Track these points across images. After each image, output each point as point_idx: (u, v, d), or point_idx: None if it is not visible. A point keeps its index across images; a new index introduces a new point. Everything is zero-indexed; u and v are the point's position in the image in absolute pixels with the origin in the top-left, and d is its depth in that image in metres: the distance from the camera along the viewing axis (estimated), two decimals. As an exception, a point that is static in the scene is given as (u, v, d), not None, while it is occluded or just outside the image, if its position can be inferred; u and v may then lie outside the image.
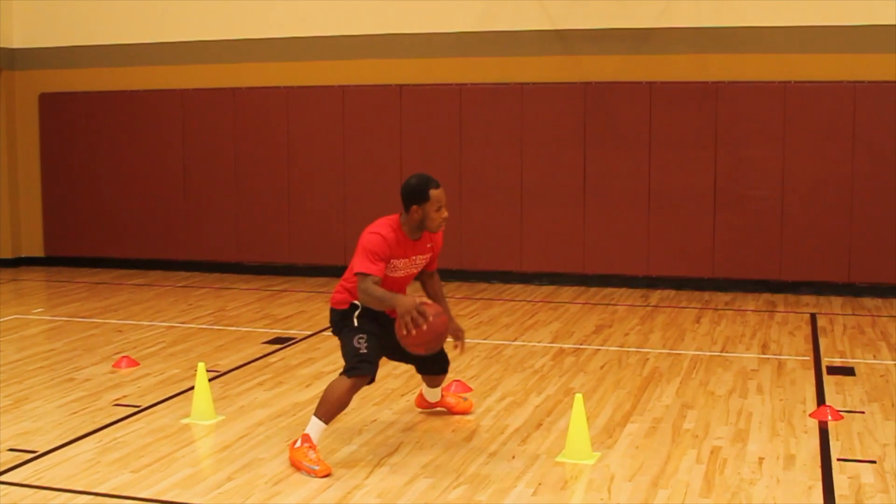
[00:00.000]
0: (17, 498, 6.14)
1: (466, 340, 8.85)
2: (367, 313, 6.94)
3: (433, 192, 6.90)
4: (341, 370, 6.85)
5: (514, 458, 6.82)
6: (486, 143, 14.09)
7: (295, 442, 6.77)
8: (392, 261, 6.84)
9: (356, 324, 6.92)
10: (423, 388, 7.80)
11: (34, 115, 16.01)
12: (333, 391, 6.72)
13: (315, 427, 6.70)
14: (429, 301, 6.67)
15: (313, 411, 6.76)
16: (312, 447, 6.64)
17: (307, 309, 12.17)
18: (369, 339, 6.85)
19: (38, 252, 16.24)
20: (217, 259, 15.31)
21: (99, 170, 15.74)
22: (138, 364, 9.50)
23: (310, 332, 10.85)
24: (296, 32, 14.80)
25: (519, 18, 13.91)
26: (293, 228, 14.95)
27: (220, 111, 15.11)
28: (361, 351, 6.80)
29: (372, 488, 6.26)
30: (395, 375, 9.01)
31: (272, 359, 9.73)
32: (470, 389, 8.48)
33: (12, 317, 12.04)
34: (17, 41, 15.98)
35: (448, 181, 14.13)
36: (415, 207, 6.86)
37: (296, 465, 6.66)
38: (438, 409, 7.95)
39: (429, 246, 7.14)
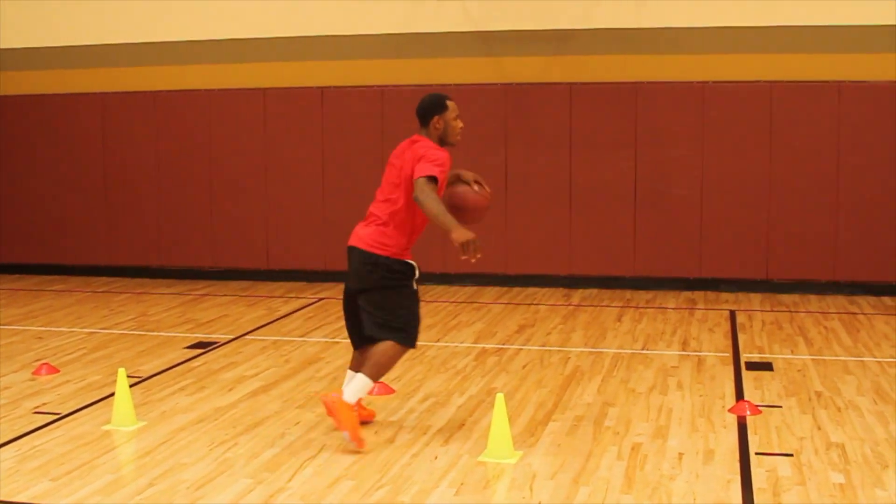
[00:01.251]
0: (-66, 508, 6.08)
1: None
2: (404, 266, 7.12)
3: (450, 103, 7.22)
4: (397, 338, 7.02)
5: (436, 458, 6.84)
6: (409, 145, 14.08)
7: (342, 394, 6.95)
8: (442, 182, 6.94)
9: (415, 286, 7.15)
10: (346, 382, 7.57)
11: (-50, 119, 15.80)
12: (389, 357, 6.97)
13: (366, 386, 6.95)
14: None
15: (363, 370, 6.96)
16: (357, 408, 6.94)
17: (230, 313, 12.12)
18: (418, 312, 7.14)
19: (-44, 259, 16.04)
20: (138, 264, 15.18)
21: (17, 175, 15.54)
22: (58, 371, 9.40)
23: (232, 336, 10.80)
24: (217, 35, 14.70)
25: (441, 20, 13.94)
26: (215, 232, 14.87)
27: (141, 114, 14.99)
28: (415, 329, 7.10)
29: (295, 490, 6.26)
30: (317, 378, 9.01)
31: (194, 363, 9.67)
32: (392, 391, 8.50)
33: (-71, 325, 11.88)
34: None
35: (369, 183, 14.11)
36: (436, 118, 7.14)
37: (343, 426, 6.85)
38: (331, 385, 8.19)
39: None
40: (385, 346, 6.99)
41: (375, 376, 6.96)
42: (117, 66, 15.09)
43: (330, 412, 6.92)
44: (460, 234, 6.65)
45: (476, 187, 7.19)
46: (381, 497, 6.14)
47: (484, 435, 7.21)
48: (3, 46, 15.51)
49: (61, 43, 15.26)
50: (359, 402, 7.19)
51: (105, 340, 10.84)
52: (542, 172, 13.75)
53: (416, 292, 7.18)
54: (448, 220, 6.72)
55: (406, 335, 7.06)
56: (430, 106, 7.18)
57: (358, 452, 6.91)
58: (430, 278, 14.17)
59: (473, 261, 6.80)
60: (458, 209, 7.06)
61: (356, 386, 6.96)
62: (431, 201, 6.74)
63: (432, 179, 6.80)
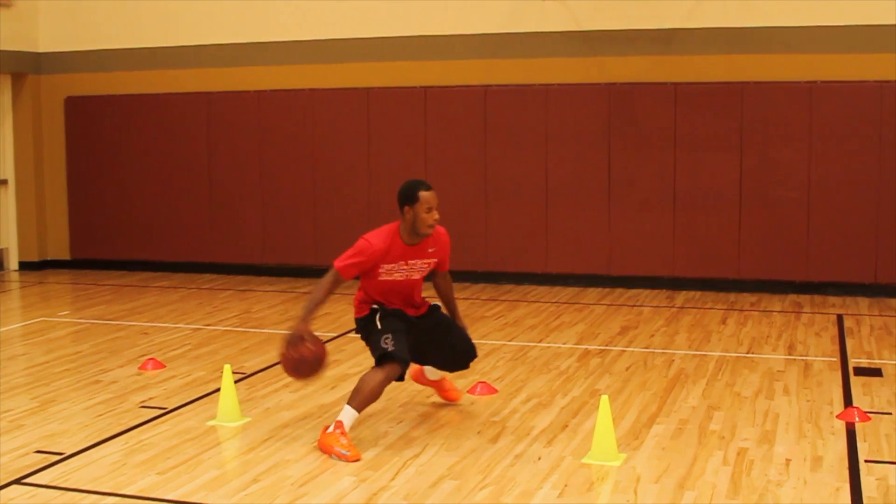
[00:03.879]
0: (44, 499, 6.17)
1: (491, 342, 9.72)
2: (388, 314, 7.27)
3: (422, 194, 7.26)
4: (374, 367, 7.16)
5: (539, 459, 6.80)
6: (511, 145, 14.07)
7: (327, 427, 7.03)
8: (382, 265, 7.17)
9: (380, 326, 7.22)
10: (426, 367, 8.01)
11: (60, 118, 16.07)
12: (367, 383, 7.04)
13: (348, 415, 6.98)
14: (306, 338, 7.04)
15: (346, 400, 7.08)
16: (344, 433, 6.90)
17: (332, 310, 12.17)
18: (395, 336, 7.14)
19: (65, 255, 16.30)
20: (242, 261, 15.33)
21: (124, 173, 15.79)
22: (164, 366, 9.53)
23: (335, 334, 10.86)
24: (320, 35, 14.82)
25: (544, 20, 13.89)
26: (318, 230, 14.96)
27: (246, 114, 15.14)
28: (389, 350, 7.07)
29: (398, 490, 6.26)
30: (420, 377, 9.02)
31: (297, 361, 9.73)
32: (495, 391, 8.48)
33: (39, 319, 12.09)
34: (44, 45, 16.05)
35: (473, 183, 14.18)
36: (406, 208, 7.24)
37: (326, 450, 6.93)
38: (431, 389, 8.28)
39: (430, 251, 7.39)
40: None
41: (356, 404, 7.11)
42: (223, 65, 15.27)
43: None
44: (294, 327, 7.08)
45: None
46: (484, 497, 6.12)
47: (587, 437, 7.16)
48: (111, 47, 15.77)
49: (169, 43, 15.48)
50: (442, 379, 8.06)
51: (209, 337, 10.97)
52: (646, 173, 13.63)
53: (381, 329, 7.28)
54: (304, 313, 7.10)
55: (377, 361, 7.23)
56: (402, 195, 7.32)
57: (460, 452, 6.91)
58: (533, 279, 14.14)
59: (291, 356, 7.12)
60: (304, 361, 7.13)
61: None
62: (314, 291, 7.17)
63: (337, 268, 7.14)
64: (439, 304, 7.71)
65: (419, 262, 7.33)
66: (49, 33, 16.07)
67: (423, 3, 14.37)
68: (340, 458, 6.79)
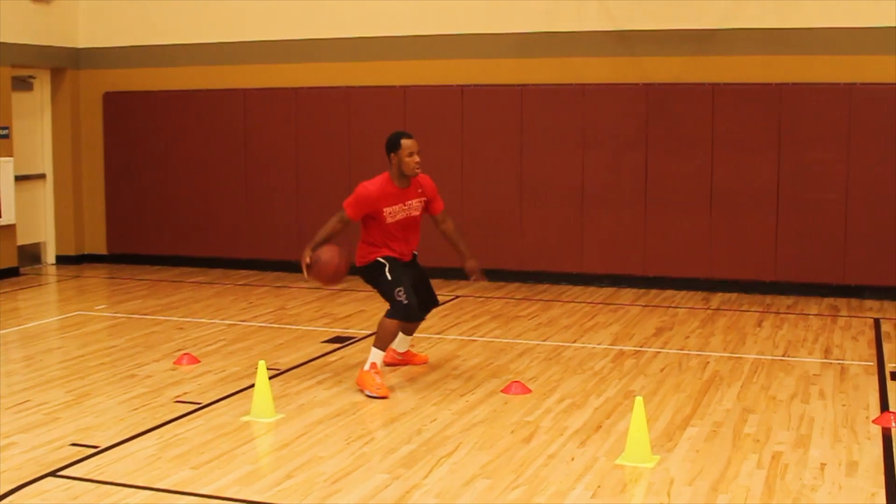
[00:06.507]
0: (79, 492, 6.21)
1: (525, 341, 10.29)
2: (395, 266, 8.60)
3: (404, 141, 8.55)
4: (390, 311, 8.50)
5: (573, 459, 6.79)
6: (547, 145, 14.05)
7: (364, 364, 8.50)
8: (385, 209, 8.53)
9: (390, 277, 8.55)
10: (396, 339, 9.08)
11: (98, 113, 16.16)
12: (386, 329, 8.47)
13: (377, 356, 8.45)
14: (323, 250, 8.55)
15: (372, 344, 8.53)
16: (378, 372, 8.39)
17: (367, 308, 12.19)
18: (406, 288, 8.50)
19: (101, 249, 16.39)
20: (277, 258, 15.36)
21: (161, 168, 15.87)
22: (199, 361, 9.56)
23: (369, 332, 10.85)
24: (357, 32, 14.84)
25: (581, 19, 13.86)
26: (353, 227, 14.92)
27: (282, 111, 15.18)
28: (404, 302, 8.46)
29: (431, 488, 6.26)
30: (454, 376, 9.02)
31: (331, 357, 9.76)
32: (529, 391, 8.47)
33: (75, 313, 12.17)
34: (83, 41, 16.15)
35: (508, 182, 14.18)
36: (392, 155, 8.57)
37: (361, 386, 8.39)
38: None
39: (419, 191, 8.71)
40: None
41: (381, 346, 8.53)
42: (260, 62, 15.31)
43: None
44: (305, 252, 8.55)
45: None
46: (517, 497, 6.12)
47: (621, 438, 7.14)
48: (149, 43, 15.85)
49: (207, 40, 15.54)
50: (409, 349, 9.46)
51: (244, 333, 11.00)
52: (683, 173, 13.57)
53: (393, 280, 8.61)
54: (313, 243, 8.59)
55: (394, 312, 8.54)
56: (387, 144, 8.60)
57: (493, 451, 6.91)
58: (568, 278, 14.11)
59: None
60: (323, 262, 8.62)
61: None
62: (323, 226, 8.66)
63: (344, 209, 8.59)
64: (417, 253, 8.98)
65: (413, 201, 8.67)
66: (88, 29, 16.16)
67: (461, 2, 14.36)
68: (374, 393, 8.24)
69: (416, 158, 8.53)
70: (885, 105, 12.85)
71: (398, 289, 8.47)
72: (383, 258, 8.61)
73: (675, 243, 13.69)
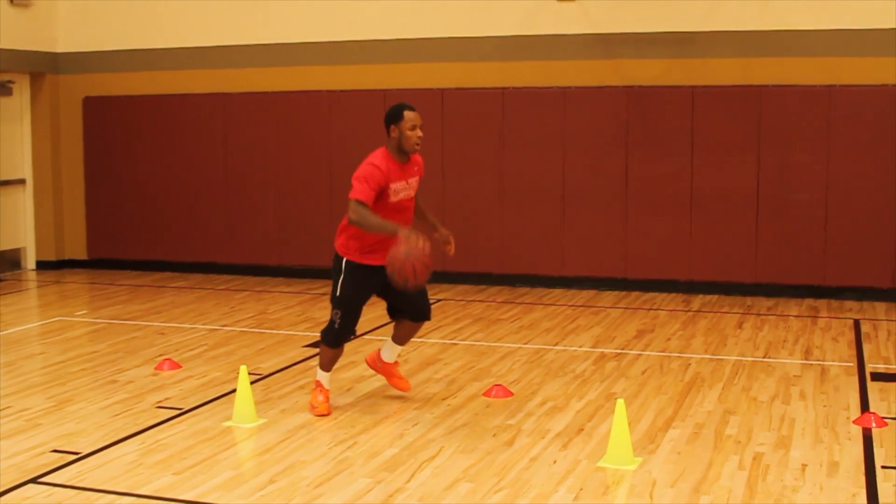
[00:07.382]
0: (60, 499, 6.19)
1: (507, 344, 10.03)
2: (355, 269, 7.80)
3: (406, 113, 7.75)
4: (323, 331, 8.01)
5: (555, 462, 6.80)
6: (528, 147, 14.05)
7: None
8: (391, 185, 7.61)
9: (339, 292, 7.87)
10: (385, 345, 8.38)
11: (78, 118, 16.12)
12: (322, 350, 8.04)
13: (320, 375, 8.09)
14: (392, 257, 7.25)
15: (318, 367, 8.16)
16: (323, 391, 8.04)
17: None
18: (348, 313, 7.90)
19: (82, 254, 16.35)
20: (258, 262, 15.35)
21: (142, 173, 15.82)
22: (180, 366, 9.55)
23: (351, 336, 10.85)
24: (338, 36, 14.83)
25: (561, 22, 13.88)
26: (334, 232, 14.87)
27: (262, 115, 15.15)
28: (335, 326, 7.90)
29: (413, 492, 6.27)
30: (435, 380, 9.02)
31: (313, 362, 9.72)
32: (511, 394, 8.47)
33: (56, 319, 12.13)
34: (62, 45, 16.10)
35: (489, 185, 14.19)
36: (392, 127, 7.72)
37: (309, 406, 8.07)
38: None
39: (416, 168, 7.92)
40: None
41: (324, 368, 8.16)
42: (240, 66, 15.29)
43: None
44: (403, 232, 7.22)
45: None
46: (499, 500, 6.13)
47: (603, 440, 7.16)
48: (128, 47, 15.81)
49: (187, 44, 15.52)
50: (395, 365, 8.43)
51: (226, 337, 10.98)
52: (664, 176, 13.60)
53: (340, 296, 7.97)
54: (387, 226, 7.37)
55: (325, 337, 8.04)
56: (388, 115, 7.78)
57: (475, 455, 6.91)
58: (549, 281, 14.12)
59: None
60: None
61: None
62: (365, 220, 7.45)
63: (357, 198, 7.46)
64: None
65: (413, 179, 7.86)
66: (67, 33, 16.11)
67: (440, 5, 14.37)
68: (312, 412, 7.97)
69: (419, 133, 7.74)
70: (864, 107, 12.91)
71: (338, 310, 7.87)
72: (353, 266, 7.82)
73: (656, 245, 13.72)
